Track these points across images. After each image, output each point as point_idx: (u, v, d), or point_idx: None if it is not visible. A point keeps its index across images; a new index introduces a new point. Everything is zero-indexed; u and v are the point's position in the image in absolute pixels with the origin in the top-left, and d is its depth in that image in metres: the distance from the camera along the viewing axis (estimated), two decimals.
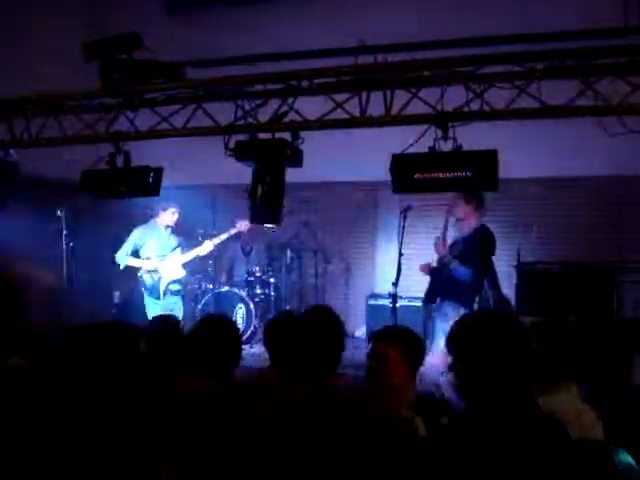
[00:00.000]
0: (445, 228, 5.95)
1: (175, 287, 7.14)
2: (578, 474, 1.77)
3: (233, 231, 7.64)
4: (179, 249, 7.27)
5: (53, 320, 6.09)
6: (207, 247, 7.37)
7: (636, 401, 4.75)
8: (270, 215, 4.98)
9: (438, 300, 5.64)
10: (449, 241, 5.86)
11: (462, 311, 5.03)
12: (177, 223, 7.20)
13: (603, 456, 1.86)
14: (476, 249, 5.55)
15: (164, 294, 7.07)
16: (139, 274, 7.12)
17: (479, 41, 6.82)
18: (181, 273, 7.22)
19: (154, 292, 7.09)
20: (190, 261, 7.37)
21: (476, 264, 5.51)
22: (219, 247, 7.66)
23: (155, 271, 7.06)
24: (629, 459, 1.97)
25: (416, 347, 3.26)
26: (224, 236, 7.52)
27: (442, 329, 5.21)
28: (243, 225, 7.67)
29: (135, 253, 7.13)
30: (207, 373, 3.08)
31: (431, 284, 5.85)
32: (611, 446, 1.99)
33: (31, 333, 3.32)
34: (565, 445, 1.81)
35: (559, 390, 2.70)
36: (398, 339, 3.22)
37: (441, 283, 5.65)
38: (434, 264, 5.89)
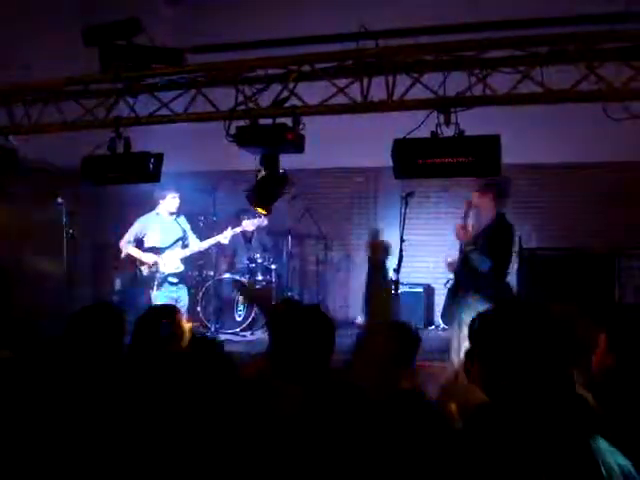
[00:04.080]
0: (466, 216, 5.88)
1: (173, 279, 7.09)
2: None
3: (238, 229, 7.68)
4: (180, 242, 7.18)
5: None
6: (200, 245, 7.35)
7: None
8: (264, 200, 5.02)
9: (462, 291, 5.61)
10: (470, 228, 5.79)
11: (483, 302, 4.99)
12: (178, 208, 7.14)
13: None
14: (495, 243, 5.50)
15: (159, 285, 7.05)
16: (137, 264, 7.11)
17: (482, 26, 6.76)
18: (179, 267, 7.15)
19: (149, 283, 7.06)
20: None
21: (496, 258, 5.47)
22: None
23: (154, 264, 7.04)
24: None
25: None
26: (229, 233, 7.52)
27: (465, 319, 5.16)
28: (249, 224, 7.68)
29: (139, 242, 7.11)
30: None
31: (456, 275, 5.83)
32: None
33: (19, 323, 3.32)
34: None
35: None
36: None
37: (464, 273, 5.63)
38: (455, 258, 5.85)
